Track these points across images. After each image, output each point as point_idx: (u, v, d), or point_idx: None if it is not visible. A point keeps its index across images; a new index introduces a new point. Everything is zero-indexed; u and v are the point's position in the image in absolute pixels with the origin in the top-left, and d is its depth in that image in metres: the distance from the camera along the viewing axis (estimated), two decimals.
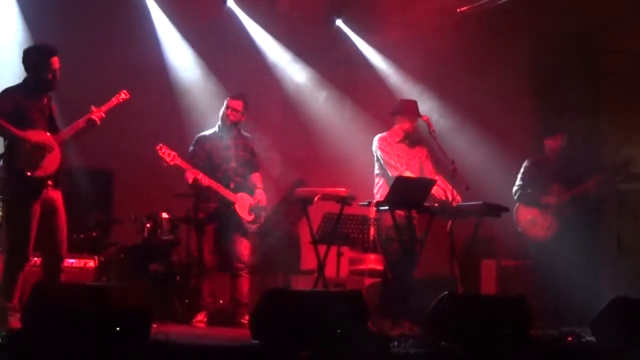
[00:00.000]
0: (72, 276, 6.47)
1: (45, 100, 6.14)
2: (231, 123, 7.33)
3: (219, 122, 7.42)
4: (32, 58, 6.11)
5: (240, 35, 9.42)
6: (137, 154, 7.58)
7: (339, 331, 5.23)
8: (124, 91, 6.48)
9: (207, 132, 7.46)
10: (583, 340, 6.22)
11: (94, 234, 7.94)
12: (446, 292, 5.70)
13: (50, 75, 6.06)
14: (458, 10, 9.40)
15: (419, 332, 6.06)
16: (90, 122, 6.19)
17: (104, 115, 6.25)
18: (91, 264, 7.42)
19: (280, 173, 9.37)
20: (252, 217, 7.36)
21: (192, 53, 9.16)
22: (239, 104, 7.34)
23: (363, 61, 9.79)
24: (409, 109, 7.41)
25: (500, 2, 9.12)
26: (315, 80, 9.74)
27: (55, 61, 6.07)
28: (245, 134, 7.51)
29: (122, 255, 7.90)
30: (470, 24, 9.23)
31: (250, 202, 7.36)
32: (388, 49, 9.64)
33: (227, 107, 7.34)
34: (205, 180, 7.09)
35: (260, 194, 7.42)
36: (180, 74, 9.11)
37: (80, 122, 6.20)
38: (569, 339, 6.25)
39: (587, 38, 9.25)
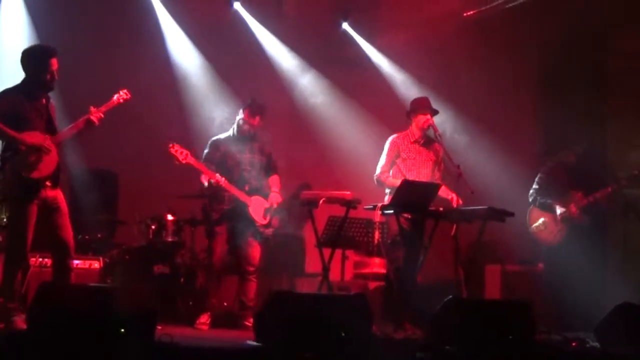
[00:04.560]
0: (76, 277, 6.49)
1: (44, 100, 6.13)
2: (247, 134, 7.33)
3: (234, 129, 7.36)
4: (31, 59, 6.09)
5: (247, 38, 9.43)
6: (143, 155, 7.60)
7: (342, 334, 5.23)
8: (125, 90, 6.45)
9: (222, 136, 7.40)
10: (587, 345, 6.22)
11: (99, 235, 7.95)
12: (450, 297, 5.69)
13: (48, 76, 6.05)
14: (464, 14, 9.41)
15: (423, 337, 6.06)
16: (89, 122, 6.17)
17: (102, 116, 6.21)
18: (96, 265, 7.45)
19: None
20: (267, 220, 7.30)
21: (199, 56, 9.17)
22: (256, 120, 7.29)
23: (369, 64, 9.79)
24: (422, 104, 7.39)
25: (506, 6, 9.12)
26: (321, 83, 9.74)
27: (54, 62, 6.06)
28: (262, 137, 7.48)
29: (126, 257, 7.91)
30: (476, 27, 9.23)
31: (265, 205, 7.30)
32: (394, 52, 9.65)
33: (245, 123, 7.27)
34: (223, 181, 7.06)
35: (274, 197, 7.33)
36: (188, 77, 9.12)
37: (79, 123, 6.18)
38: (574, 344, 6.25)
39: (593, 42, 9.23)
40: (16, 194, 5.97)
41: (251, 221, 7.22)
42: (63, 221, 6.14)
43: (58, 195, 6.14)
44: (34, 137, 5.97)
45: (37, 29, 8.18)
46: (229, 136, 7.38)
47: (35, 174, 5.96)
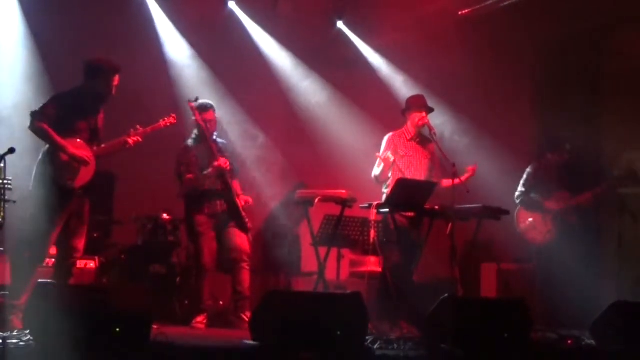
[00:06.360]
0: (73, 277, 6.49)
1: (97, 112, 6.30)
2: (212, 134, 7.35)
3: (196, 133, 7.38)
4: (98, 71, 6.26)
5: (242, 38, 9.42)
6: (139, 154, 7.55)
7: (339, 333, 5.24)
8: (173, 115, 6.71)
9: (188, 143, 7.40)
10: (583, 343, 6.24)
11: (95, 235, 7.93)
12: (446, 295, 5.71)
13: (109, 91, 6.25)
14: (459, 13, 9.41)
15: (419, 335, 6.07)
16: (126, 144, 6.38)
17: (140, 140, 6.42)
18: (92, 264, 7.45)
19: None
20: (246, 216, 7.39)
21: (194, 55, 9.15)
22: (213, 114, 7.36)
23: (365, 63, 9.79)
24: (417, 102, 7.41)
25: (501, 5, 9.13)
26: (316, 82, 9.73)
27: (117, 79, 6.27)
28: (219, 140, 7.52)
29: (122, 257, 7.92)
30: (471, 26, 9.23)
31: (241, 204, 7.38)
32: (390, 51, 9.64)
33: (205, 121, 7.28)
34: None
35: (245, 198, 7.45)
36: (182, 76, 9.10)
37: (117, 143, 6.37)
38: (569, 342, 6.27)
39: (590, 42, 9.24)
40: (49, 201, 6.04)
41: (238, 213, 7.28)
42: (81, 229, 6.29)
43: (85, 204, 6.28)
44: (78, 148, 6.12)
45: (31, 28, 8.16)
46: (193, 140, 7.38)
47: (72, 184, 6.11)
